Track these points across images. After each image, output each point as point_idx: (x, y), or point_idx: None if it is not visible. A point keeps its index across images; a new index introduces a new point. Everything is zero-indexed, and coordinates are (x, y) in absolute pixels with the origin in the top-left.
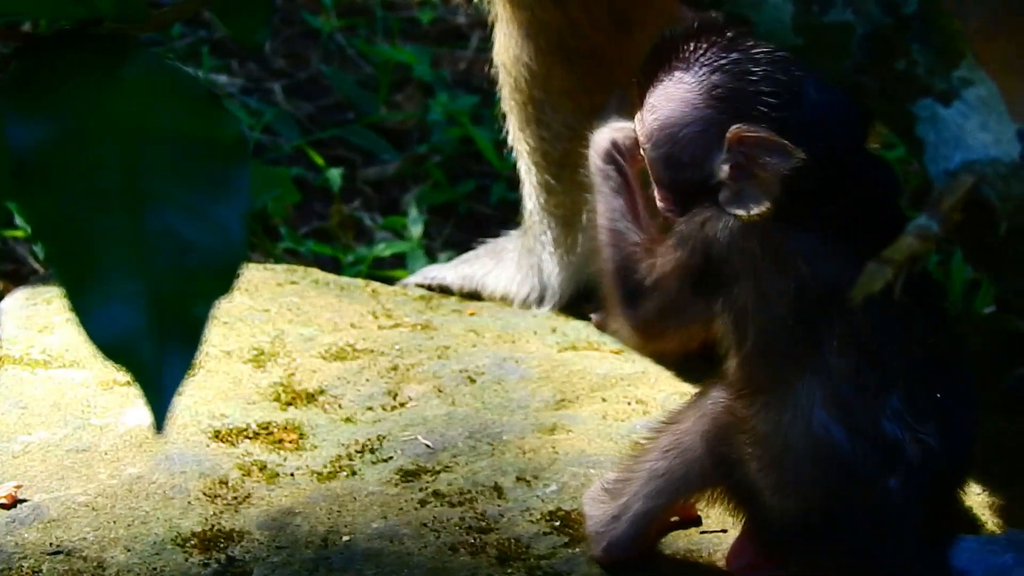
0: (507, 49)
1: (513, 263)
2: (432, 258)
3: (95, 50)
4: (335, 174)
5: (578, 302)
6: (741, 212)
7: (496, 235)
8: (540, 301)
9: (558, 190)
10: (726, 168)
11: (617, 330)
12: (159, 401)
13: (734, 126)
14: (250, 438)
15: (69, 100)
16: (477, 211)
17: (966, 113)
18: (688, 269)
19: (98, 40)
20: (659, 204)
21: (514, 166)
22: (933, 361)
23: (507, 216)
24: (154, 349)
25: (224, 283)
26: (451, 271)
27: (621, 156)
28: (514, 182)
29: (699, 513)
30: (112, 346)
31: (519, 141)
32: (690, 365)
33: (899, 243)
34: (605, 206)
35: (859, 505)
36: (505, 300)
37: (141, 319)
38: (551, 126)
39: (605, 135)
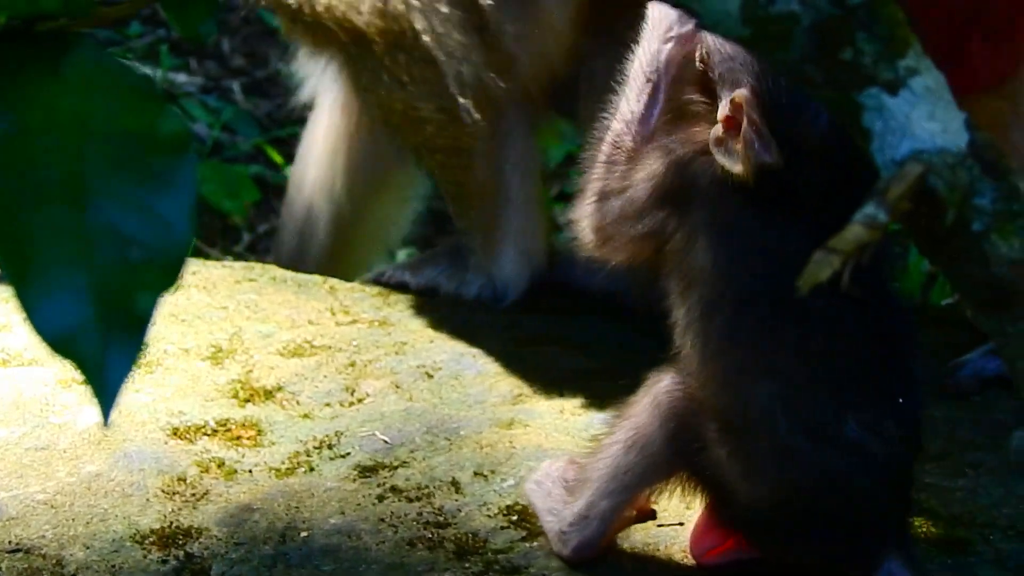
0: None
1: (467, 262)
2: (391, 255)
3: (40, 46)
4: None
5: (536, 298)
6: (718, 158)
7: (453, 233)
8: (494, 299)
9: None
10: (723, 115)
11: (576, 223)
12: (105, 393)
13: (743, 91)
14: (208, 435)
15: (13, 96)
16: (435, 207)
17: (913, 102)
18: (659, 181)
19: (43, 37)
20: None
21: None
22: (886, 354)
23: None
24: (99, 342)
25: (168, 277)
26: (409, 270)
27: (665, 69)
28: None
29: (654, 507)
30: (58, 339)
31: None
32: (649, 361)
33: (846, 232)
34: (624, 106)
35: (828, 502)
36: (460, 298)
37: (86, 313)
38: None
39: (660, 37)
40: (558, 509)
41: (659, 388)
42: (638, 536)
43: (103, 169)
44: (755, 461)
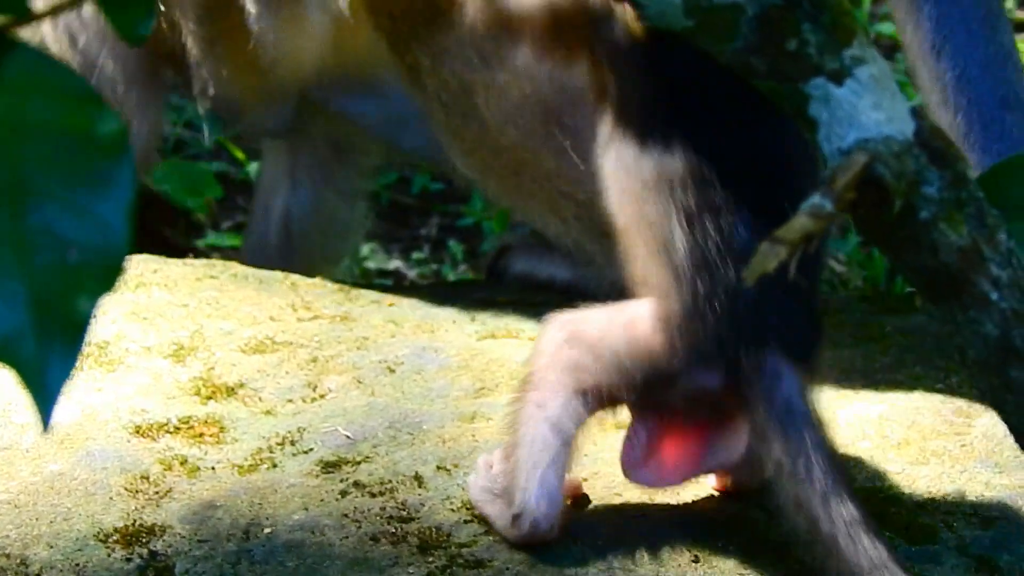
0: None
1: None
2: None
3: None
4: (256, 168)
5: (496, 292)
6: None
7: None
8: None
9: None
10: None
11: None
12: (44, 399)
13: None
14: (171, 432)
15: None
16: (399, 201)
17: (858, 92)
18: None
19: None
20: None
21: None
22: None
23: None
24: (37, 348)
25: (107, 280)
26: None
27: None
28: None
29: (585, 492)
30: None
31: None
32: None
33: (793, 223)
34: None
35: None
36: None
37: (23, 317)
38: None
39: None
40: (495, 511)
41: (549, 343)
42: (602, 528)
43: (40, 171)
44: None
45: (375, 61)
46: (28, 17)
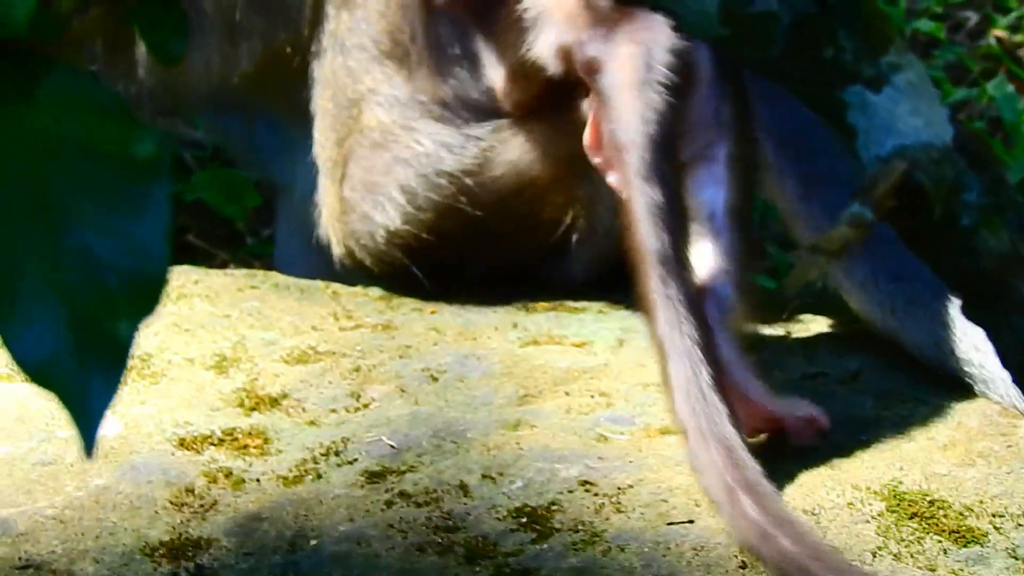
0: None
1: None
2: None
3: (10, 68)
4: None
5: (536, 297)
6: None
7: None
8: None
9: None
10: None
11: None
12: (87, 425)
13: None
14: (215, 445)
15: None
16: None
17: (896, 98)
18: None
19: (13, 59)
20: None
21: None
22: None
23: None
24: (78, 372)
25: (147, 303)
26: None
27: None
28: None
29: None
30: (37, 369)
31: None
32: (650, 355)
33: (833, 232)
34: None
35: None
36: None
37: (64, 342)
38: None
39: None
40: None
41: None
42: (648, 535)
43: (77, 193)
44: None
45: None
46: (61, 35)
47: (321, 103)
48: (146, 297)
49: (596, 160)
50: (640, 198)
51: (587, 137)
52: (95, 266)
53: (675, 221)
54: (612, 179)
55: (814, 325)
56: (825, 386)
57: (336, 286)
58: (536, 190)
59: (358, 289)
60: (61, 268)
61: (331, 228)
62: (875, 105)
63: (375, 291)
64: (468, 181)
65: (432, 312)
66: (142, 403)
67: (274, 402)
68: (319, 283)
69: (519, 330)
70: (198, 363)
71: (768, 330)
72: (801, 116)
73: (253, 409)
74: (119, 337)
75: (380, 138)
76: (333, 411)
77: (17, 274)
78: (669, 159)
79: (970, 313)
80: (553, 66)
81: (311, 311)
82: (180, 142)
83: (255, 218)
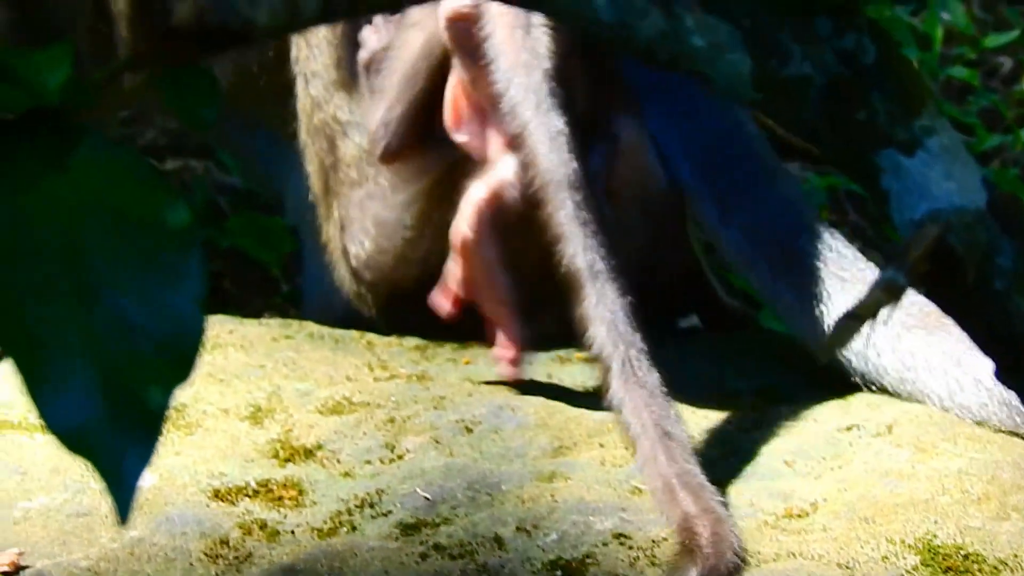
0: None
1: None
2: None
3: (41, 136)
4: None
5: (569, 349)
6: None
7: None
8: None
9: None
10: None
11: None
12: (121, 491)
13: None
14: (250, 496)
15: (14, 188)
16: None
17: (929, 162)
18: None
19: (44, 126)
20: None
21: None
22: None
23: None
24: (112, 439)
25: (181, 370)
26: None
27: None
28: None
29: None
30: (71, 436)
31: None
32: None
33: (868, 298)
34: None
35: None
36: None
37: (98, 408)
38: None
39: None
40: None
41: None
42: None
43: (111, 261)
44: None
45: None
46: (96, 101)
47: (302, 136)
48: (180, 363)
49: (460, 137)
50: (547, 165)
51: (448, 113)
52: (129, 333)
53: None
54: (478, 149)
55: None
56: (860, 438)
57: (371, 336)
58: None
59: (392, 339)
60: (95, 335)
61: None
62: (908, 169)
63: (410, 341)
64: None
65: (466, 363)
66: (177, 454)
67: (309, 453)
68: (353, 333)
69: (554, 380)
70: (233, 414)
71: (799, 383)
72: (716, 131)
73: (288, 460)
74: (153, 403)
75: (356, 175)
76: (368, 462)
77: (52, 341)
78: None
79: (1003, 377)
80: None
81: (346, 361)
82: (214, 187)
83: (290, 264)
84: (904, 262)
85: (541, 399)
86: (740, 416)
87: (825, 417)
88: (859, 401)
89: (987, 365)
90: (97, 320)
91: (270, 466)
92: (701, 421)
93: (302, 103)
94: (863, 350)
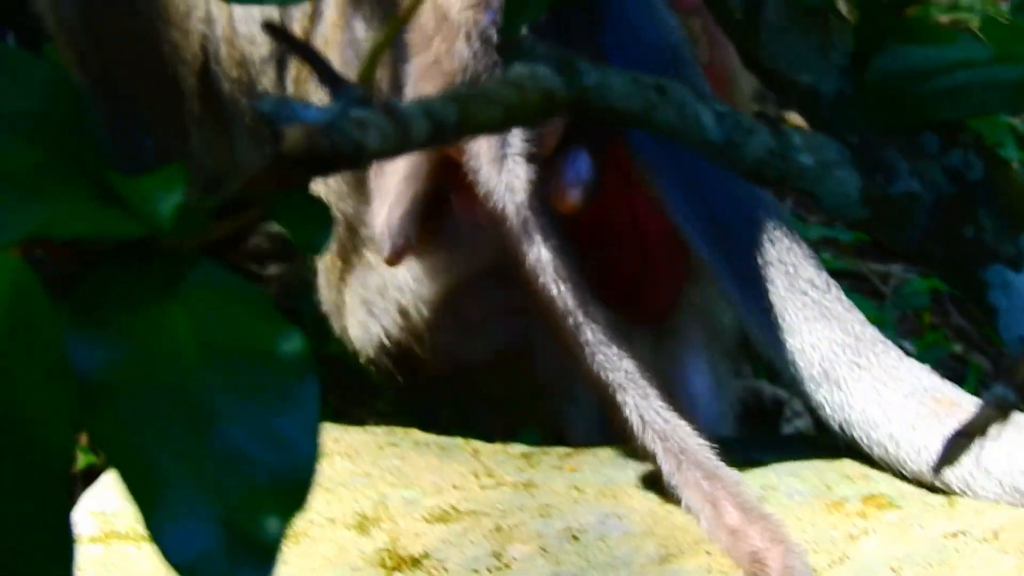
0: None
1: None
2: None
3: (155, 265)
4: None
5: None
6: None
7: None
8: None
9: None
10: None
11: None
12: None
13: None
14: None
15: (130, 320)
16: None
17: None
18: None
19: (158, 255)
20: None
21: None
22: None
23: None
24: (229, 569)
25: (296, 499)
26: None
27: None
28: None
29: None
30: (187, 568)
31: None
32: (794, 511)
33: (978, 416)
34: None
35: None
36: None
37: (214, 540)
38: None
39: None
40: None
41: None
42: None
43: (225, 391)
44: None
45: None
46: (209, 231)
47: None
48: (295, 493)
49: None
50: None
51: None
52: (244, 463)
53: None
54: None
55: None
56: (966, 544)
57: (476, 443)
58: None
59: (498, 446)
60: (210, 466)
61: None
62: (1016, 284)
63: (516, 448)
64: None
65: (571, 469)
66: (284, 564)
67: (415, 562)
68: (459, 440)
69: (659, 487)
70: (339, 522)
71: (904, 487)
72: (727, 198)
73: (395, 569)
74: (269, 533)
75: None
76: (475, 571)
77: (166, 472)
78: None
79: None
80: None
81: (451, 468)
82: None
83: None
84: (1013, 378)
85: (647, 505)
86: (847, 523)
87: (931, 523)
88: (965, 506)
89: None
90: (212, 451)
91: (377, 575)
92: (808, 529)
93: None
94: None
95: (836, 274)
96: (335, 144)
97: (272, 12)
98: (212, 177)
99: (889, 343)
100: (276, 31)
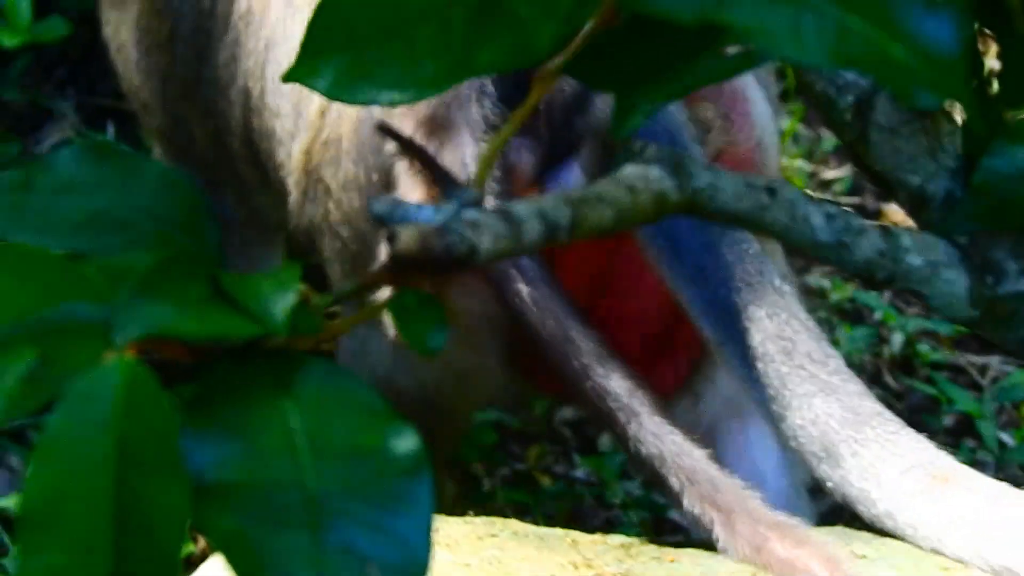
0: None
1: None
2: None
3: (269, 363)
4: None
5: None
6: None
7: None
8: None
9: None
10: None
11: None
12: None
13: None
14: None
15: (245, 416)
16: None
17: None
18: None
19: (272, 355)
20: None
21: None
22: None
23: None
24: None
25: None
26: None
27: None
28: None
29: None
30: None
31: None
32: None
33: None
34: None
35: None
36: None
37: None
38: None
39: None
40: None
41: None
42: None
43: (339, 490)
44: None
45: None
46: (318, 331)
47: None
48: None
49: None
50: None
51: None
52: (357, 560)
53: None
54: None
55: None
56: None
57: (575, 534)
58: None
59: (597, 537)
60: (326, 564)
61: None
62: None
63: (615, 539)
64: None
65: (672, 560)
66: None
67: None
68: (558, 531)
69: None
70: None
71: None
72: (721, 266)
73: None
74: None
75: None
76: None
77: (280, 568)
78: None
79: None
80: None
81: (550, 559)
82: None
83: (490, 459)
84: None
85: None
86: None
87: None
88: None
89: None
90: (325, 548)
91: None
92: None
93: None
94: None
95: (935, 366)
96: (449, 245)
97: (378, 111)
98: (280, 227)
99: (887, 414)
100: (390, 132)
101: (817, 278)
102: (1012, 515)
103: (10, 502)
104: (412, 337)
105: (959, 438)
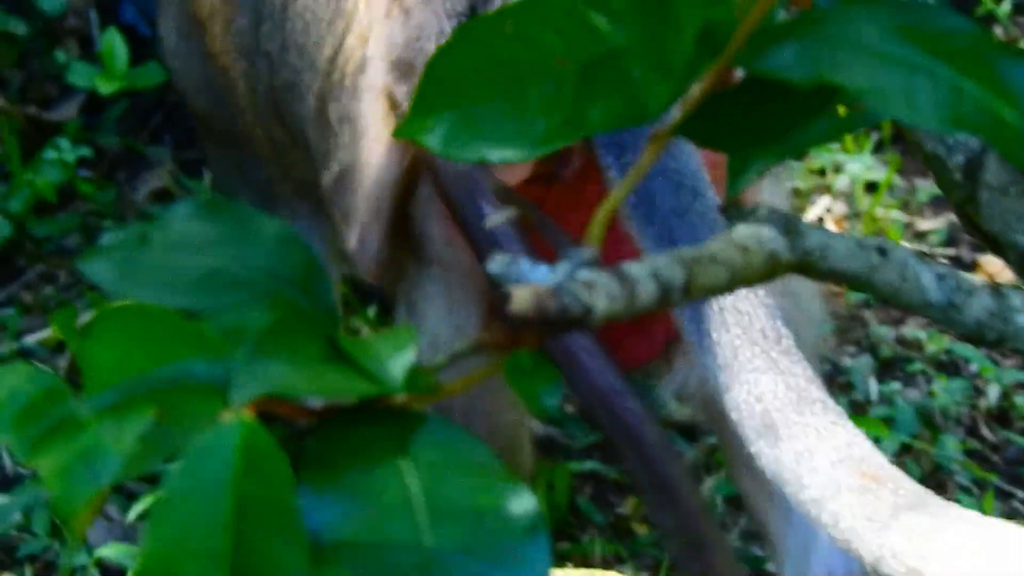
0: None
1: None
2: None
3: (386, 423)
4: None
5: None
6: None
7: None
8: None
9: None
10: None
11: None
12: None
13: None
14: None
15: (363, 476)
16: None
17: None
18: None
19: (388, 414)
20: None
21: None
22: None
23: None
24: None
25: None
26: None
27: None
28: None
29: None
30: None
31: None
32: None
33: None
34: None
35: None
36: None
37: None
38: None
39: None
40: None
41: None
42: None
43: (456, 550)
44: None
45: None
46: (434, 392)
47: None
48: None
49: None
50: None
51: None
52: None
53: None
54: None
55: None
56: None
57: None
58: None
59: None
60: None
61: None
62: None
63: None
64: None
65: None
66: None
67: None
68: None
69: None
70: None
71: None
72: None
73: None
74: None
75: None
76: None
77: None
78: None
79: None
80: None
81: None
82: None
83: (587, 509)
84: None
85: None
86: None
87: None
88: None
89: None
90: None
91: None
92: None
93: None
94: None
95: None
96: (564, 306)
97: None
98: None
99: (830, 403)
100: (507, 194)
101: (913, 329)
102: (930, 524)
103: (109, 551)
104: (527, 396)
105: None
